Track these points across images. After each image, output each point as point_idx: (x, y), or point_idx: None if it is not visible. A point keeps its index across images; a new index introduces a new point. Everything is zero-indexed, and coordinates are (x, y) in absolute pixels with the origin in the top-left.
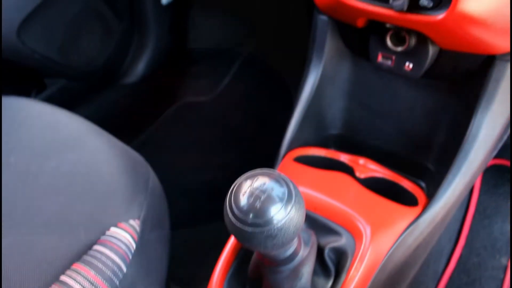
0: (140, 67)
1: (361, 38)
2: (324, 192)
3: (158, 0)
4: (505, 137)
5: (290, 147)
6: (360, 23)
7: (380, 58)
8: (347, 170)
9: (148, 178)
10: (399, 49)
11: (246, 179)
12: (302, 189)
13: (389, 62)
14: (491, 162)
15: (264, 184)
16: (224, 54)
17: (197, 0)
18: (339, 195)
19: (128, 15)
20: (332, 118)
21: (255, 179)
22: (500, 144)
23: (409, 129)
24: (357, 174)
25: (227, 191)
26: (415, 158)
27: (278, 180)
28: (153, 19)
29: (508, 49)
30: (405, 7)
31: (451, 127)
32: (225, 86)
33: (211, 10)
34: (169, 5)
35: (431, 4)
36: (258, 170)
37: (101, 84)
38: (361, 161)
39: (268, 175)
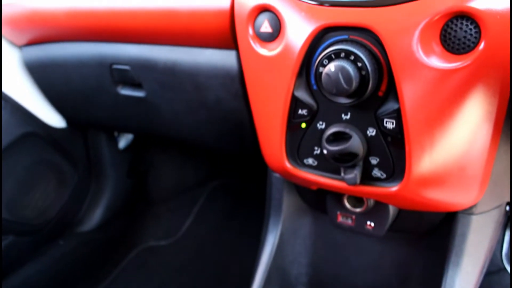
0: (97, 214)
1: (318, 196)
2: None
3: (114, 145)
4: (481, 279)
5: None
6: (315, 187)
7: (339, 218)
8: None
9: None
10: (358, 210)
11: None
12: None
13: (349, 221)
14: None
15: None
16: (185, 194)
17: (155, 142)
18: None
19: (84, 163)
20: (297, 274)
21: None
22: None
23: (379, 284)
24: None
25: None
26: None
27: None
28: (110, 164)
29: (470, 204)
30: (358, 180)
31: (423, 282)
32: (186, 228)
33: (169, 151)
34: (126, 148)
35: (384, 176)
36: None
37: (54, 234)
38: None
39: None
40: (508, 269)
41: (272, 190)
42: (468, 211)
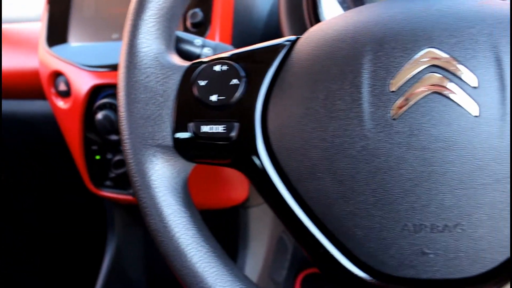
0: None
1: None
2: None
3: None
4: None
5: None
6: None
7: None
8: None
9: None
10: None
11: None
12: None
13: None
14: None
15: None
16: None
17: None
18: None
19: None
20: (137, 278)
21: None
22: None
23: None
24: None
25: None
26: None
27: None
28: None
29: (243, 199)
30: None
31: None
32: None
33: None
34: None
35: None
36: None
37: None
38: None
39: None
40: None
41: (106, 207)
42: (245, 205)
